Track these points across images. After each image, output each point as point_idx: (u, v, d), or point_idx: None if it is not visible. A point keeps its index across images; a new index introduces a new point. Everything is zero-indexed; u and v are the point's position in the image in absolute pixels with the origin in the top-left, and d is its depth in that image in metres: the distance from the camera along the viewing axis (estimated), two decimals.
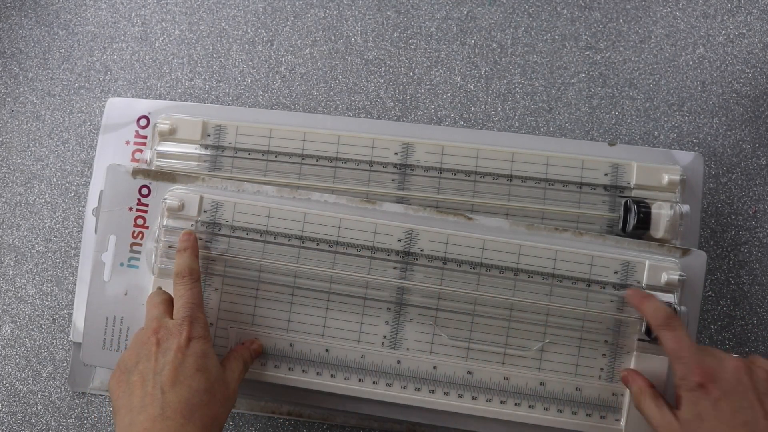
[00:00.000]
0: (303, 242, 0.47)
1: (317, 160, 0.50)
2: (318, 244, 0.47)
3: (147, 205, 0.48)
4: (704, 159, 0.51)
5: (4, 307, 0.54)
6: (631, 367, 0.46)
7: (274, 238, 0.47)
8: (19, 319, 0.54)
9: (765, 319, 0.53)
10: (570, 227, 0.49)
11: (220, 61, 0.57)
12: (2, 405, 0.53)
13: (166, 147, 0.50)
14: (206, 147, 0.50)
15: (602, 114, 0.55)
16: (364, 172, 0.50)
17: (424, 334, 0.47)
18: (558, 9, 0.57)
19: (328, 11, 0.57)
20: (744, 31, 0.56)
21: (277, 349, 0.47)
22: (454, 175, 0.50)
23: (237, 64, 0.56)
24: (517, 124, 0.55)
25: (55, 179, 0.56)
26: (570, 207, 0.49)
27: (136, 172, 0.48)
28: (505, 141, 0.51)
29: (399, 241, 0.47)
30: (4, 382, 0.53)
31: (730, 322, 0.52)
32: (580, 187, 0.50)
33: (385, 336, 0.47)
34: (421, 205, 0.48)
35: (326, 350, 0.47)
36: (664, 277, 0.46)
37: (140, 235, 0.48)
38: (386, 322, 0.47)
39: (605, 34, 0.56)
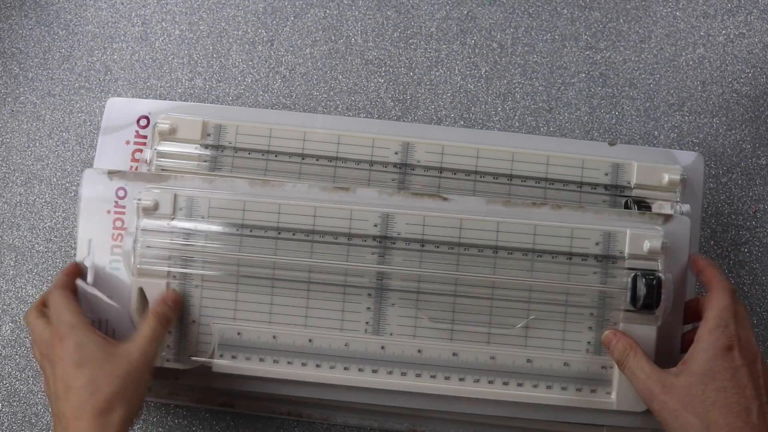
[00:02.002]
0: (279, 233, 0.47)
1: (317, 160, 0.50)
2: (294, 234, 0.47)
3: (124, 207, 0.48)
4: (704, 159, 0.51)
5: (4, 307, 0.55)
6: None
7: (250, 231, 0.47)
8: (19, 319, 0.54)
9: (765, 319, 0.53)
10: (548, 201, 0.49)
11: (220, 61, 0.57)
12: (2, 405, 0.53)
13: (167, 147, 0.51)
14: (206, 147, 0.50)
15: (602, 114, 0.56)
16: (365, 171, 0.50)
17: (406, 318, 0.47)
18: (558, 9, 0.57)
19: (328, 11, 0.57)
20: (744, 31, 0.57)
21: (260, 342, 0.47)
22: (455, 174, 0.50)
23: (237, 64, 0.57)
24: (517, 124, 0.55)
25: (55, 179, 0.56)
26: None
27: (111, 174, 0.48)
28: (505, 141, 0.51)
29: (375, 225, 0.47)
30: (4, 382, 0.54)
31: None
32: (581, 187, 0.50)
33: (367, 322, 0.47)
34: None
35: (310, 340, 0.47)
36: (646, 245, 0.46)
37: (119, 237, 0.48)
38: (368, 308, 0.47)
39: (605, 34, 0.57)
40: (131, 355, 0.42)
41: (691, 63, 0.56)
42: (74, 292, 0.47)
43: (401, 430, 0.51)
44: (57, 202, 0.56)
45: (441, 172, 0.50)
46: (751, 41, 0.56)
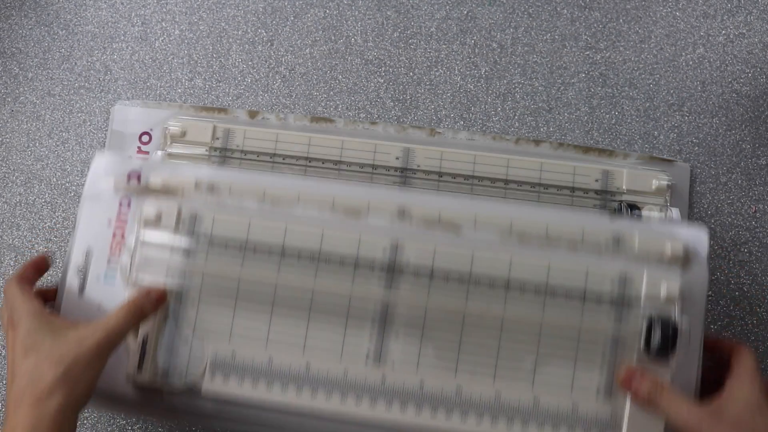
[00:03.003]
0: (284, 255, 0.47)
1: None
2: (299, 257, 0.47)
3: (126, 219, 0.48)
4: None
5: None
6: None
7: (254, 250, 0.47)
8: None
9: (765, 319, 0.54)
10: (564, 237, 0.48)
11: (220, 61, 0.58)
12: (2, 405, 0.55)
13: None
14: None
15: (602, 114, 0.57)
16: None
17: (410, 350, 0.46)
18: (558, 9, 0.58)
19: (328, 11, 0.59)
20: (744, 31, 0.58)
21: (255, 365, 0.46)
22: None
23: (237, 64, 0.58)
24: (516, 124, 0.57)
25: (55, 179, 0.57)
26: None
27: (117, 186, 0.48)
28: (502, 209, 0.49)
29: (384, 253, 0.46)
30: (4, 383, 0.55)
31: (730, 322, 0.54)
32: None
33: (368, 351, 0.46)
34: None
35: (307, 366, 0.46)
36: (663, 291, 0.45)
37: (118, 249, 0.48)
38: (370, 336, 0.46)
39: (605, 34, 0.58)
40: (84, 342, 0.41)
41: (691, 63, 0.57)
42: (32, 281, 0.46)
43: None
44: (57, 202, 0.57)
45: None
46: (751, 41, 0.58)
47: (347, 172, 0.53)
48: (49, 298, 0.48)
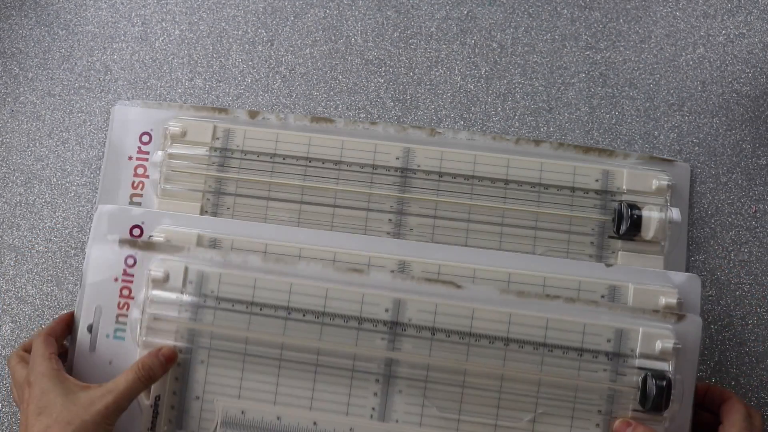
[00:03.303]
0: (289, 313, 0.48)
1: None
2: (304, 315, 0.48)
3: (133, 275, 0.49)
4: (701, 281, 0.51)
5: (4, 307, 0.56)
6: None
7: (260, 309, 0.48)
8: (19, 319, 0.56)
9: (765, 319, 0.54)
10: (561, 291, 0.50)
11: (220, 61, 0.59)
12: (2, 405, 0.55)
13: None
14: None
15: (602, 114, 0.57)
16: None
17: (413, 406, 0.48)
18: (558, 9, 0.59)
19: (328, 11, 0.59)
20: (744, 31, 0.58)
21: (264, 423, 0.48)
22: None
23: (237, 64, 0.59)
24: (517, 124, 0.57)
25: (55, 179, 0.58)
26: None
27: (122, 242, 0.49)
28: (500, 261, 0.51)
29: (386, 311, 0.48)
30: (4, 382, 0.55)
31: (730, 322, 0.54)
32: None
33: (373, 408, 0.48)
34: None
35: (314, 423, 0.48)
36: (658, 346, 0.47)
37: (126, 306, 0.49)
38: (375, 393, 0.48)
39: (605, 34, 0.58)
40: (93, 406, 0.43)
41: (691, 63, 0.58)
42: (60, 339, 0.48)
43: None
44: (57, 202, 0.58)
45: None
46: (751, 41, 0.58)
47: (347, 172, 0.53)
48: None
